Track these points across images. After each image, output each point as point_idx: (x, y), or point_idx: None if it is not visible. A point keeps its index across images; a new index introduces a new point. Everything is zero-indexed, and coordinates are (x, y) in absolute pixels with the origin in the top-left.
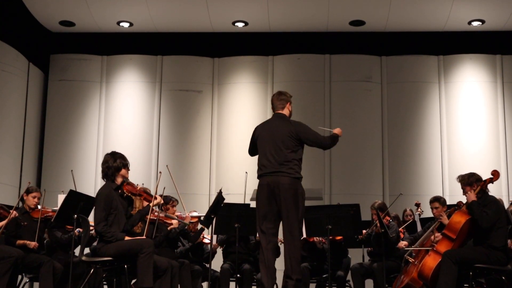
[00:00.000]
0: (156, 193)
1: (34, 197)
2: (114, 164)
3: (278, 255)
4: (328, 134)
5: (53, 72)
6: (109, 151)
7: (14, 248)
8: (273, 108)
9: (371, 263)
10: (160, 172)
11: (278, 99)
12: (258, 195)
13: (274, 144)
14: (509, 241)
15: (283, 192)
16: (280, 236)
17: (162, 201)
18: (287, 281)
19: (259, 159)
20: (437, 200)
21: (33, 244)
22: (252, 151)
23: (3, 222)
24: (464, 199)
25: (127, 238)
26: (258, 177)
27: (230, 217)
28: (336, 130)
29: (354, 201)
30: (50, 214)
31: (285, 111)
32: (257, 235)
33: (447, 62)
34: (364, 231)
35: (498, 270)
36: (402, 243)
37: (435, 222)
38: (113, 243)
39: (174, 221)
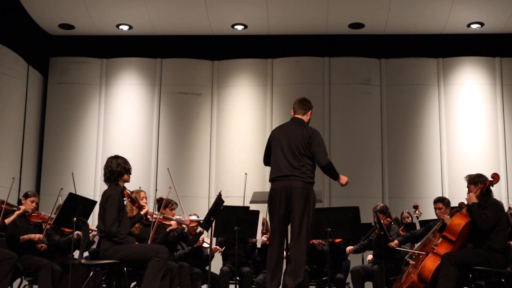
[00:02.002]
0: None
1: (32, 202)
2: (117, 168)
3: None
4: None
5: (53, 75)
6: (109, 154)
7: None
8: (294, 111)
9: (371, 266)
10: (170, 187)
11: (301, 104)
12: (274, 200)
13: (289, 147)
14: (510, 242)
15: (294, 196)
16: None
17: (147, 210)
18: (286, 285)
19: (272, 161)
20: (441, 201)
21: (38, 236)
22: (267, 158)
23: (12, 217)
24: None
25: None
26: (271, 180)
27: (229, 220)
28: (342, 180)
29: (354, 204)
30: (48, 219)
31: (305, 118)
32: (257, 237)
33: (446, 64)
34: (351, 248)
35: (498, 273)
36: (393, 242)
37: (438, 222)
38: (125, 246)
39: (173, 222)
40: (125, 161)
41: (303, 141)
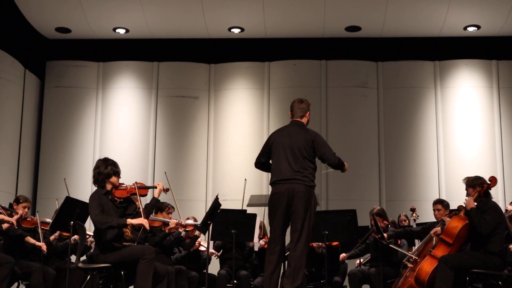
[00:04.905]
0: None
1: (24, 207)
2: (105, 170)
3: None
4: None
5: (49, 78)
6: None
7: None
8: (292, 114)
9: (368, 269)
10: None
11: (299, 106)
12: (275, 203)
13: (291, 151)
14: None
15: (297, 200)
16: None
17: (163, 186)
18: (284, 287)
19: (273, 165)
20: (440, 203)
21: (44, 246)
22: (262, 159)
23: (12, 219)
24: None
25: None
26: (272, 184)
27: (226, 223)
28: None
29: (351, 207)
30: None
31: (304, 120)
32: (254, 241)
33: (443, 67)
34: (345, 255)
35: (495, 275)
36: (385, 235)
37: (438, 224)
38: (113, 251)
39: (172, 222)
40: (114, 163)
41: (306, 144)
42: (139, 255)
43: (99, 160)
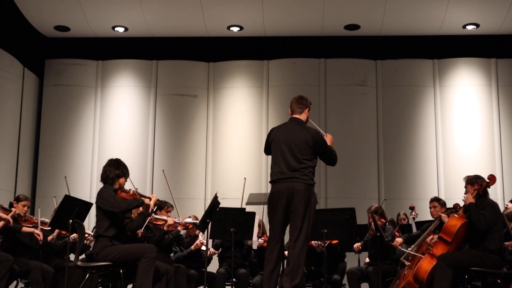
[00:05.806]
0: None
1: (24, 206)
2: (116, 170)
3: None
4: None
5: (48, 77)
6: (105, 156)
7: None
8: (291, 111)
9: (367, 267)
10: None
11: (298, 103)
12: (275, 202)
13: (290, 149)
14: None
15: (296, 198)
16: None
17: (157, 198)
18: (283, 286)
19: (273, 164)
20: (437, 200)
21: (41, 235)
22: (267, 151)
23: (7, 216)
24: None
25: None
26: (271, 182)
27: (225, 222)
28: (328, 138)
29: (350, 205)
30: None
31: (303, 116)
32: (253, 238)
33: (442, 65)
34: (358, 244)
35: (494, 273)
36: (398, 241)
37: (434, 222)
38: (115, 248)
39: (170, 220)
40: (125, 166)
41: (305, 143)
42: (141, 254)
43: (112, 160)
